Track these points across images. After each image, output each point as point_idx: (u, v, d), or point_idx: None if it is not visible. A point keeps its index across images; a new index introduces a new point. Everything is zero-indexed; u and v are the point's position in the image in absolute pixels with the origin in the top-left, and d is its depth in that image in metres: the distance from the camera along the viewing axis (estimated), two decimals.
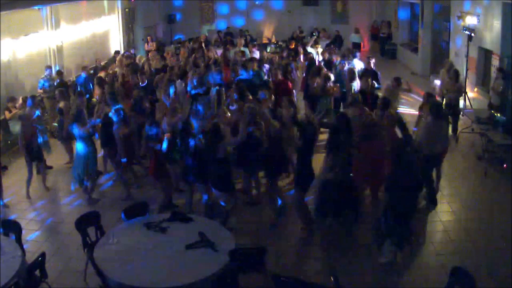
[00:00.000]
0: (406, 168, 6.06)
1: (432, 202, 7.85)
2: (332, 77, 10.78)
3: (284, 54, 14.21)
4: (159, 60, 13.87)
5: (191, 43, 16.94)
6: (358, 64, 12.26)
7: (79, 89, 11.50)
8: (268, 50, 16.64)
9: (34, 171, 8.78)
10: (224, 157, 6.97)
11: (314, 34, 21.44)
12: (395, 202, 6.05)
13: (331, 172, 6.63)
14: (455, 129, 10.80)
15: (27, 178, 8.53)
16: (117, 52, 15.30)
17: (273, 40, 20.57)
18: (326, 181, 6.73)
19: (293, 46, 15.85)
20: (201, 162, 7.11)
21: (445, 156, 8.12)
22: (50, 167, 9.65)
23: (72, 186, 8.51)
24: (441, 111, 7.85)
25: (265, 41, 20.76)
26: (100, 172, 9.21)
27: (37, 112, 9.12)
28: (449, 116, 9.94)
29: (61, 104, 9.72)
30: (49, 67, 11.85)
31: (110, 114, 8.21)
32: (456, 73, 10.97)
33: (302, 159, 6.89)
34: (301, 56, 13.86)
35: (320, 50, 14.63)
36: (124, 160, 8.22)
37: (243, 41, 16.30)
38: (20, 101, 10.18)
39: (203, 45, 16.08)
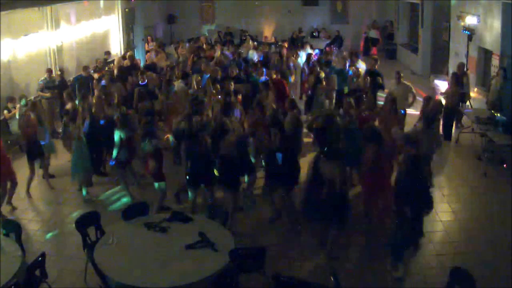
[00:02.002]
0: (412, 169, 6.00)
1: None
2: (323, 75, 10.82)
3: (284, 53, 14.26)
4: (164, 59, 13.93)
5: (191, 42, 16.97)
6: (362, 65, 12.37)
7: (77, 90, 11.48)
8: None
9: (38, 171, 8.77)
10: (229, 153, 6.95)
11: (314, 34, 21.47)
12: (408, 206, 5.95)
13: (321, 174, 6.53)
14: (447, 133, 10.59)
15: (28, 176, 8.53)
16: (107, 53, 15.17)
17: (273, 40, 20.56)
18: (312, 183, 6.64)
19: (286, 45, 15.88)
20: (201, 165, 7.11)
21: (431, 158, 7.76)
22: (53, 176, 9.57)
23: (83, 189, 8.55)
24: (433, 123, 7.68)
25: (264, 41, 20.75)
26: (103, 173, 9.24)
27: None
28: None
29: (68, 106, 9.70)
30: (50, 70, 11.83)
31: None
32: (455, 76, 10.90)
33: (284, 159, 6.88)
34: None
35: (310, 50, 14.68)
36: (113, 162, 8.25)
37: (252, 44, 16.29)
38: (18, 101, 10.16)
39: (203, 45, 16.07)
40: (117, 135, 8.09)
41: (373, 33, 20.62)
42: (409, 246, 6.27)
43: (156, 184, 7.47)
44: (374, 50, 19.29)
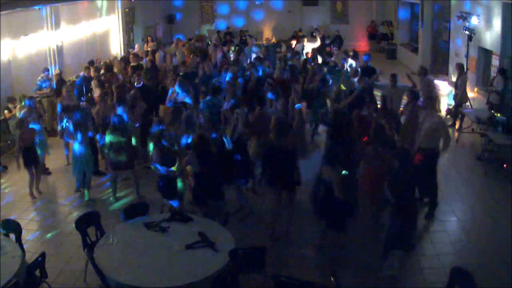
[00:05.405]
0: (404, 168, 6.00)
1: (430, 210, 7.56)
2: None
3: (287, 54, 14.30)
4: (164, 58, 13.96)
5: (190, 42, 16.98)
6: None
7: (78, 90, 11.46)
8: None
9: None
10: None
11: (314, 34, 21.47)
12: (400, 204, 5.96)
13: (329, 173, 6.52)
14: None
15: (29, 180, 8.49)
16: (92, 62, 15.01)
17: (273, 40, 20.57)
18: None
19: (292, 43, 15.92)
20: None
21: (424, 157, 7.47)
22: (49, 173, 9.53)
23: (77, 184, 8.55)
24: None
25: (264, 42, 20.76)
26: (101, 172, 9.24)
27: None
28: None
29: (66, 103, 9.67)
30: (47, 69, 11.82)
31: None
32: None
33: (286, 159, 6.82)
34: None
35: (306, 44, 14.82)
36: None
37: (254, 41, 16.41)
38: (18, 101, 10.16)
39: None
40: (108, 138, 8.04)
41: (383, 29, 21.54)
42: (400, 241, 6.18)
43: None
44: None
